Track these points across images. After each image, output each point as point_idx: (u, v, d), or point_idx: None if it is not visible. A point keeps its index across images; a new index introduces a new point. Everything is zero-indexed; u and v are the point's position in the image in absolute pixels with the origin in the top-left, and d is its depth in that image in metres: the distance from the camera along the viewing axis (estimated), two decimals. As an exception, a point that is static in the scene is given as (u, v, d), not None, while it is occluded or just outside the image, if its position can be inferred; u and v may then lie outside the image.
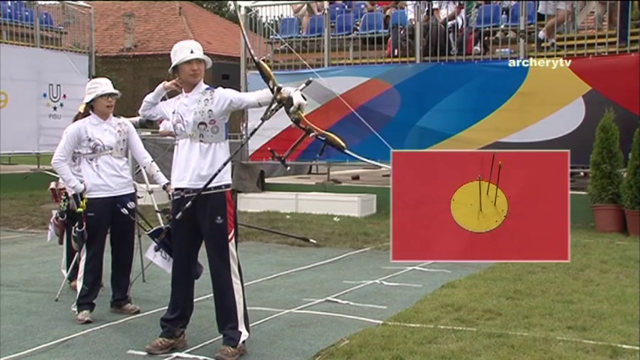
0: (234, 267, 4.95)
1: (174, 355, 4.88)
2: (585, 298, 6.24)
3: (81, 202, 5.81)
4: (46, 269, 7.73)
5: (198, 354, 4.88)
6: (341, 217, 11.40)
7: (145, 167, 6.32)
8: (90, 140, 5.85)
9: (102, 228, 5.91)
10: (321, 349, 4.97)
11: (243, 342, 4.87)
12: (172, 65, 4.97)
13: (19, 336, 5.33)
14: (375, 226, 10.47)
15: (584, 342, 4.97)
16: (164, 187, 6.02)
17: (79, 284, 5.89)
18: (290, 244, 9.48)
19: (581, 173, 12.10)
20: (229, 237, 4.93)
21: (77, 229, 5.83)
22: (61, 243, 6.81)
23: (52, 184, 6.80)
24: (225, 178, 4.94)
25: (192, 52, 4.94)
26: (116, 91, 6.00)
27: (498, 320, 5.58)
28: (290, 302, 6.28)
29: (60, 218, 6.54)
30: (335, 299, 6.37)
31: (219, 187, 4.89)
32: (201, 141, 4.90)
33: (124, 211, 5.91)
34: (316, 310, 5.99)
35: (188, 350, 4.95)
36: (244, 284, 5.09)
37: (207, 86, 5.02)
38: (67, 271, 6.68)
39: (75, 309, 5.82)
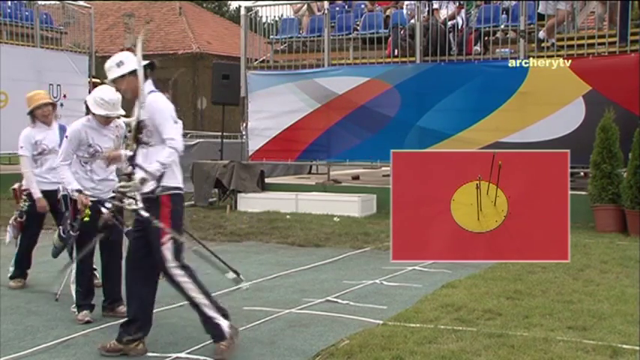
0: (173, 269, 4.81)
1: (174, 355, 4.88)
2: (585, 298, 6.24)
3: (85, 211, 5.64)
4: (46, 269, 7.71)
5: (198, 354, 4.88)
6: (341, 217, 11.40)
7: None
8: (90, 146, 5.79)
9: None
10: (321, 349, 4.96)
11: (230, 328, 4.81)
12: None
13: (19, 336, 5.33)
14: (375, 226, 10.46)
15: (584, 342, 4.97)
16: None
17: (72, 287, 5.90)
18: (290, 244, 9.48)
19: (581, 173, 12.10)
20: (163, 240, 4.79)
21: (70, 232, 5.74)
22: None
23: (16, 185, 6.82)
24: (165, 181, 4.82)
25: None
26: (119, 113, 5.88)
27: (498, 320, 5.58)
28: (290, 302, 6.28)
29: (19, 219, 6.58)
30: (335, 299, 6.36)
31: (153, 191, 4.79)
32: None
33: (104, 210, 5.83)
34: (316, 310, 5.99)
35: (188, 350, 4.95)
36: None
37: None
38: (13, 267, 6.94)
39: (75, 310, 5.83)
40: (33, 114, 6.82)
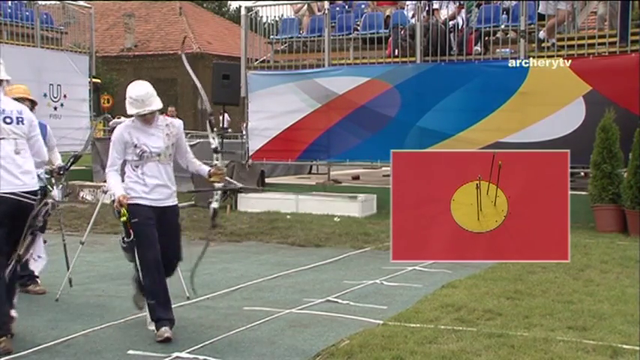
0: None
1: (174, 355, 4.88)
2: (586, 298, 6.24)
3: (122, 210, 5.26)
4: (45, 269, 7.71)
5: (198, 354, 4.88)
6: (341, 217, 11.40)
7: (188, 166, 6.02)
8: (136, 147, 5.33)
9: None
10: (322, 349, 4.97)
11: None
12: None
13: (19, 336, 5.31)
14: (375, 226, 10.46)
15: (584, 342, 4.97)
16: (209, 175, 5.88)
17: (146, 301, 5.41)
18: (290, 244, 9.48)
19: (582, 173, 12.10)
20: None
21: (125, 239, 5.36)
22: None
23: None
24: None
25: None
26: (153, 108, 5.37)
27: (499, 320, 5.58)
28: (290, 302, 6.28)
29: None
30: (335, 299, 6.37)
31: None
32: None
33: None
34: (316, 310, 5.99)
35: (188, 350, 4.95)
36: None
37: None
38: None
39: (152, 327, 5.30)
40: None
